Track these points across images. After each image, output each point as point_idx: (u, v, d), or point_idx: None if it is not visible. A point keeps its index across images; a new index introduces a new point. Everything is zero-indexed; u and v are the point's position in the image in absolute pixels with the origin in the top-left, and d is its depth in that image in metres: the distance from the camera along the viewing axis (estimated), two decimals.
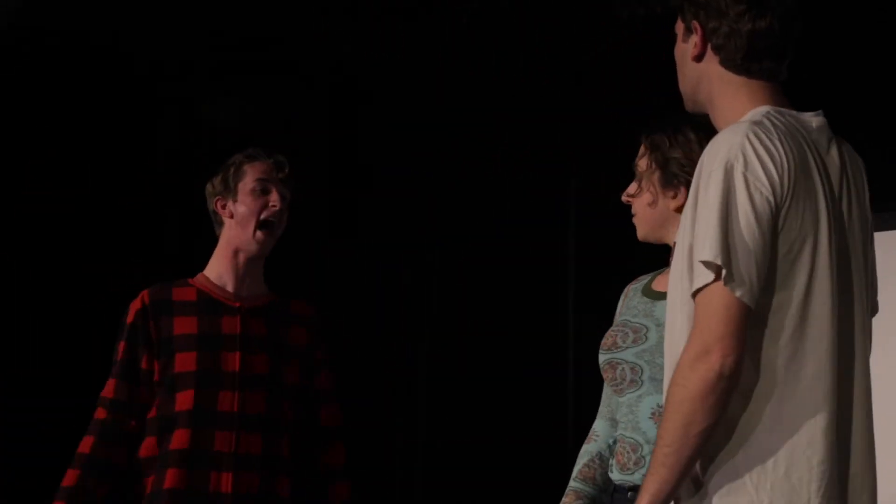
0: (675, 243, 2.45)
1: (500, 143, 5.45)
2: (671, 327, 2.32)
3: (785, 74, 2.42)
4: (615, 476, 3.02)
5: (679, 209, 2.94)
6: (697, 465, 2.22)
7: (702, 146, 2.55)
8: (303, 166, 3.76)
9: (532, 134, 5.41)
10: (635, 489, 2.88)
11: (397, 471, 5.53)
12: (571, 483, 3.19)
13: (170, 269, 3.78)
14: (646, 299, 3.09)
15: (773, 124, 2.28)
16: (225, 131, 4.85)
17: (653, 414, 2.94)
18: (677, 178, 2.98)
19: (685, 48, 2.45)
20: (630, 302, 3.15)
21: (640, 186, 3.06)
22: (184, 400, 3.44)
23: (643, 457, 2.94)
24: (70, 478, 3.44)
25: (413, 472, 5.53)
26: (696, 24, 2.40)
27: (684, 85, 2.48)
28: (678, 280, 2.29)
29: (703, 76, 2.42)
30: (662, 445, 2.19)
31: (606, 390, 3.18)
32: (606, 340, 3.08)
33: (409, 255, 5.59)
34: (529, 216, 5.55)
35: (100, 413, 3.50)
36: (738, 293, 2.13)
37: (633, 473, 2.96)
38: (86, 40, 4.87)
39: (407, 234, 5.57)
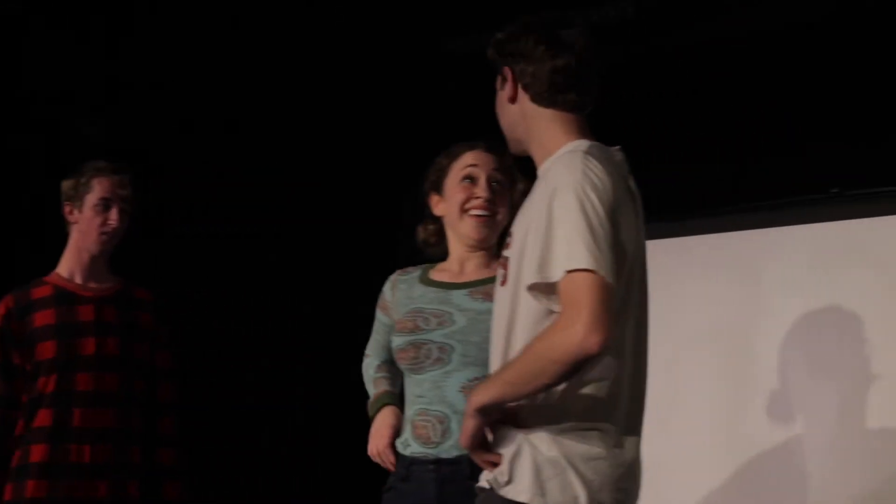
0: (505, 257, 2.71)
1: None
2: (510, 312, 2.60)
3: (590, 107, 2.73)
4: (414, 448, 3.28)
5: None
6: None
7: None
8: None
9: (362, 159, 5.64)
10: (438, 462, 3.22)
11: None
12: (375, 374, 3.54)
13: (25, 269, 4.08)
14: (434, 289, 3.41)
15: (597, 154, 2.59)
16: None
17: (462, 388, 3.22)
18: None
19: (502, 95, 2.76)
20: (408, 291, 3.46)
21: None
22: (46, 383, 3.80)
23: (450, 428, 3.22)
24: None
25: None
26: (507, 69, 2.73)
27: (506, 129, 2.79)
28: (520, 277, 2.57)
29: (519, 115, 2.73)
30: (507, 376, 2.51)
31: (376, 344, 3.56)
32: (405, 325, 3.37)
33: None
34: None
35: None
36: (609, 279, 2.41)
37: (437, 447, 3.24)
38: None
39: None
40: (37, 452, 3.77)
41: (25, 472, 3.77)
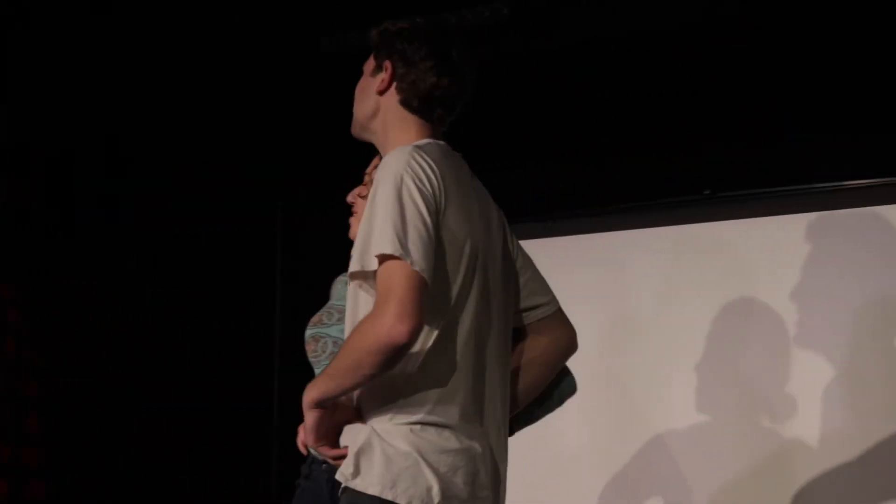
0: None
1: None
2: (353, 306, 2.64)
3: (448, 123, 2.81)
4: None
5: None
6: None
7: None
8: None
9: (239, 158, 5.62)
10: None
11: None
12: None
13: None
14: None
15: (431, 149, 2.67)
16: None
17: None
18: None
19: (371, 81, 2.79)
20: (336, 288, 3.48)
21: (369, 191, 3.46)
22: None
23: None
24: None
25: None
26: (388, 63, 2.77)
27: (360, 113, 2.81)
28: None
29: (382, 108, 2.78)
30: (334, 371, 2.52)
31: None
32: (314, 318, 3.41)
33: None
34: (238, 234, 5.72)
35: None
36: (416, 267, 2.44)
37: None
38: None
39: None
40: None
41: None
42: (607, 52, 4.96)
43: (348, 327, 2.63)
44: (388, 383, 2.54)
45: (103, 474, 5.31)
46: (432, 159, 2.61)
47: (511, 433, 2.82)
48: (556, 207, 5.13)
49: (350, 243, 3.42)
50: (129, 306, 5.54)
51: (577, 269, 5.05)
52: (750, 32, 4.73)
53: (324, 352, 3.33)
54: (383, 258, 2.47)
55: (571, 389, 2.93)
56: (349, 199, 3.52)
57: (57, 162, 5.34)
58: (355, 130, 2.86)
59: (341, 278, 3.51)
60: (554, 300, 2.87)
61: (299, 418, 2.61)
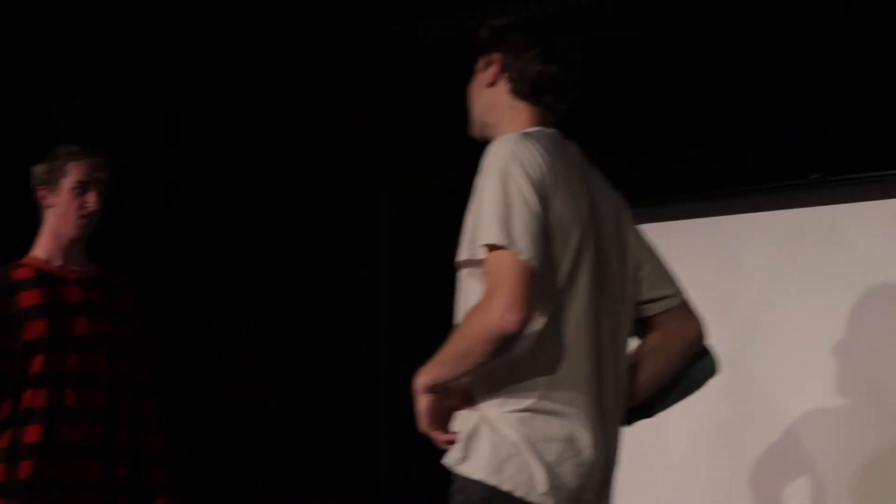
0: None
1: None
2: (465, 294, 2.65)
3: (561, 112, 2.83)
4: None
5: None
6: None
7: None
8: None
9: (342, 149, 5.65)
10: None
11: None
12: None
13: None
14: None
15: (540, 136, 2.69)
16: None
17: None
18: None
19: (482, 77, 2.84)
20: None
21: None
22: (37, 362, 3.78)
23: None
24: None
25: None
26: (497, 55, 2.81)
27: (476, 110, 2.86)
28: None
29: (494, 101, 2.82)
30: (445, 358, 2.55)
31: None
32: None
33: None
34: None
35: None
36: (523, 256, 2.46)
37: None
38: None
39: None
40: (31, 433, 3.74)
41: (19, 453, 3.75)
42: (700, 36, 4.89)
43: (460, 314, 2.65)
44: (498, 370, 2.56)
45: (217, 460, 5.44)
46: (541, 146, 2.62)
47: (632, 421, 2.81)
48: (663, 192, 5.07)
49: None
50: (235, 295, 5.63)
51: (686, 254, 4.96)
52: (860, 12, 4.62)
53: None
54: (491, 247, 2.49)
55: (710, 372, 2.89)
56: None
57: (159, 146, 5.45)
58: (474, 130, 2.88)
59: None
60: (678, 292, 2.85)
61: (408, 406, 2.63)
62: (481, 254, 2.51)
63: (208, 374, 5.54)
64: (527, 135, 2.65)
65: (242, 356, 5.59)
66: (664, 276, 2.85)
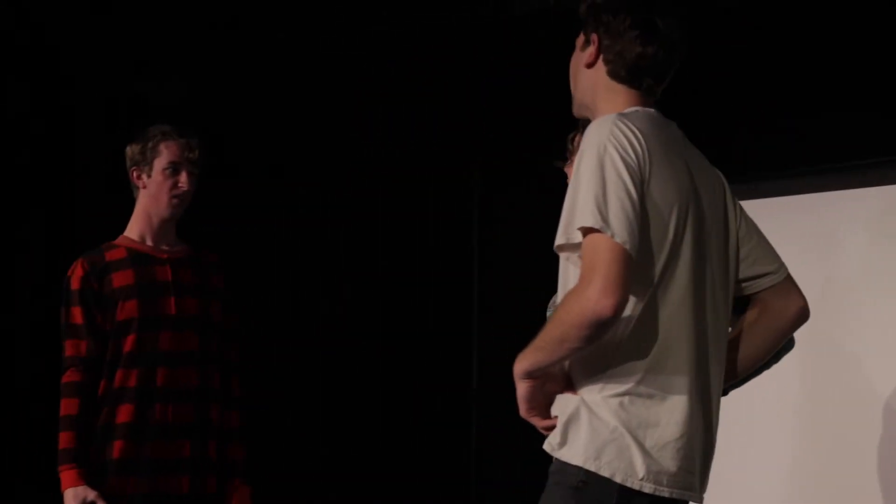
0: None
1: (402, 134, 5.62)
2: (564, 279, 2.62)
3: (659, 93, 2.77)
4: None
5: None
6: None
7: None
8: None
9: (435, 127, 5.60)
10: None
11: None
12: None
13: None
14: None
15: (638, 116, 2.64)
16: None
17: None
18: None
19: (581, 56, 2.77)
20: None
21: (570, 160, 3.38)
22: (127, 343, 3.84)
23: None
24: (68, 440, 3.80)
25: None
26: (595, 36, 2.74)
27: (576, 90, 2.81)
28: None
29: (592, 82, 2.76)
30: (542, 343, 2.52)
31: None
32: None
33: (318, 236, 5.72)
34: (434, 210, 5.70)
35: (73, 374, 3.86)
36: (618, 240, 2.42)
37: None
38: None
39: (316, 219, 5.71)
40: (124, 413, 3.81)
41: (112, 432, 3.81)
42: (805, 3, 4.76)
43: (560, 298, 2.60)
44: (598, 354, 2.53)
45: (299, 442, 5.50)
46: (638, 127, 2.58)
47: (724, 394, 2.76)
48: (761, 168, 4.96)
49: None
50: (325, 281, 5.66)
51: (783, 231, 4.87)
52: None
53: None
54: (586, 231, 2.46)
55: (789, 345, 2.86)
56: (557, 165, 3.49)
57: (255, 127, 5.46)
58: (575, 110, 2.85)
59: None
60: (782, 267, 2.80)
61: (500, 393, 2.58)
62: (577, 237, 2.48)
63: (300, 357, 5.59)
64: (624, 115, 2.61)
65: (334, 342, 5.61)
66: (767, 252, 2.80)
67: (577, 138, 3.43)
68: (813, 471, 4.75)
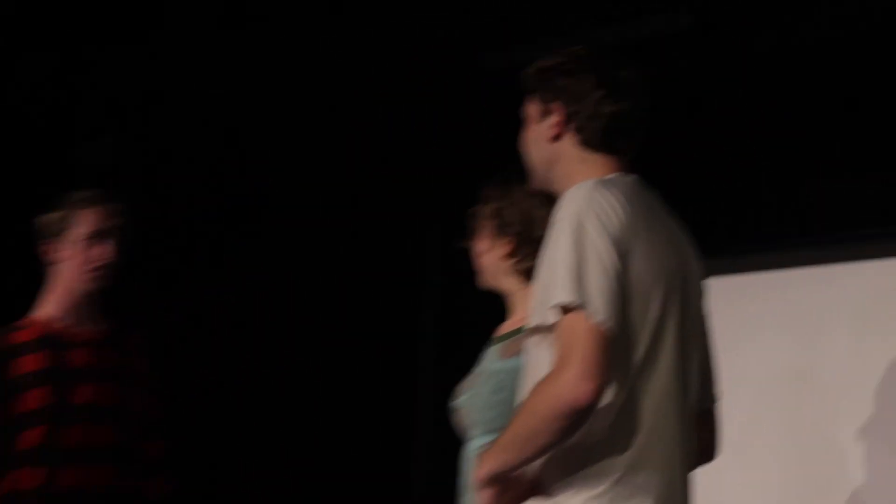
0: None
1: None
2: (536, 365, 2.38)
3: (635, 153, 2.56)
4: None
5: (508, 256, 3.05)
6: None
7: (532, 199, 2.88)
8: None
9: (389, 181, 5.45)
10: None
11: None
12: None
13: None
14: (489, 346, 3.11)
15: (618, 183, 2.45)
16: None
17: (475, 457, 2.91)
18: (508, 227, 3.04)
19: (540, 130, 2.55)
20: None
21: (477, 236, 3.16)
22: (32, 436, 3.45)
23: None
24: None
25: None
26: (556, 106, 2.52)
27: (538, 165, 2.58)
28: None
29: (560, 155, 2.53)
30: (509, 441, 2.32)
31: None
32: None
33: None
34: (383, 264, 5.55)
35: None
36: (598, 318, 2.23)
37: None
38: None
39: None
40: None
41: None
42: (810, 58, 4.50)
43: (528, 389, 2.39)
44: (572, 451, 2.32)
45: None
46: (619, 195, 2.39)
47: None
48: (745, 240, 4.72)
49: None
50: (265, 338, 5.47)
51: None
52: None
53: (462, 426, 3.03)
54: (563, 309, 2.27)
55: None
56: (463, 246, 3.25)
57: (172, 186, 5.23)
58: (536, 182, 2.63)
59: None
60: (716, 395, 2.62)
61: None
62: (552, 317, 2.28)
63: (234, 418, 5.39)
64: (604, 182, 2.41)
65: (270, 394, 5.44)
66: (713, 367, 2.61)
67: (482, 212, 3.15)
68: None
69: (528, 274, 3.01)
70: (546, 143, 2.54)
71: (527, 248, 3.03)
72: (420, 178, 5.42)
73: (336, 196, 5.47)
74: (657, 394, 2.36)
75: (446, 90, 5.18)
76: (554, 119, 2.53)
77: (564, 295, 2.26)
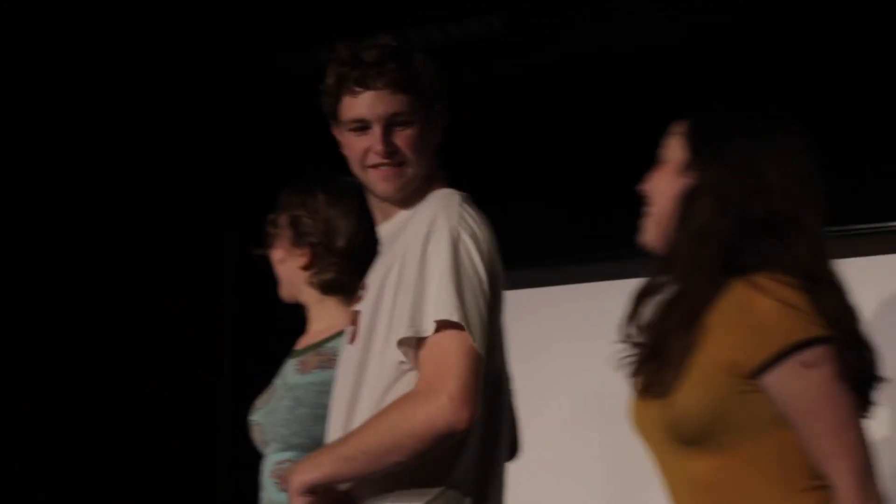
0: (356, 311, 2.42)
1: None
2: (378, 376, 2.29)
3: None
4: None
5: (306, 268, 2.93)
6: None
7: (331, 207, 2.82)
8: None
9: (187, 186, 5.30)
10: None
11: None
12: None
13: None
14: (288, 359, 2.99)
15: (467, 199, 2.41)
16: None
17: (272, 473, 2.84)
18: (306, 237, 2.93)
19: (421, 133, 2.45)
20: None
21: (273, 244, 3.04)
22: None
23: None
24: None
25: None
26: (439, 107, 2.48)
27: (420, 162, 2.45)
28: (383, 330, 2.28)
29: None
30: (346, 450, 2.22)
31: None
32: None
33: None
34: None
35: None
36: (476, 343, 2.16)
37: None
38: None
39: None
40: None
41: None
42: (614, 66, 4.46)
43: (341, 403, 2.35)
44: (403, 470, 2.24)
45: None
46: (477, 216, 2.36)
47: None
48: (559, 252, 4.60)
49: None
50: (59, 349, 5.17)
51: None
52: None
53: (259, 440, 2.93)
54: (440, 325, 2.18)
55: None
56: (258, 253, 3.13)
57: None
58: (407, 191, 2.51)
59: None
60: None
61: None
62: (428, 330, 2.18)
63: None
64: (463, 196, 2.37)
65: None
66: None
67: (279, 220, 3.02)
68: None
69: (325, 286, 2.91)
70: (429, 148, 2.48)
71: (326, 260, 2.91)
72: (218, 182, 5.29)
73: (129, 199, 5.28)
74: (484, 414, 2.26)
75: (244, 91, 5.06)
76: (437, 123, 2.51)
77: (449, 312, 2.18)
